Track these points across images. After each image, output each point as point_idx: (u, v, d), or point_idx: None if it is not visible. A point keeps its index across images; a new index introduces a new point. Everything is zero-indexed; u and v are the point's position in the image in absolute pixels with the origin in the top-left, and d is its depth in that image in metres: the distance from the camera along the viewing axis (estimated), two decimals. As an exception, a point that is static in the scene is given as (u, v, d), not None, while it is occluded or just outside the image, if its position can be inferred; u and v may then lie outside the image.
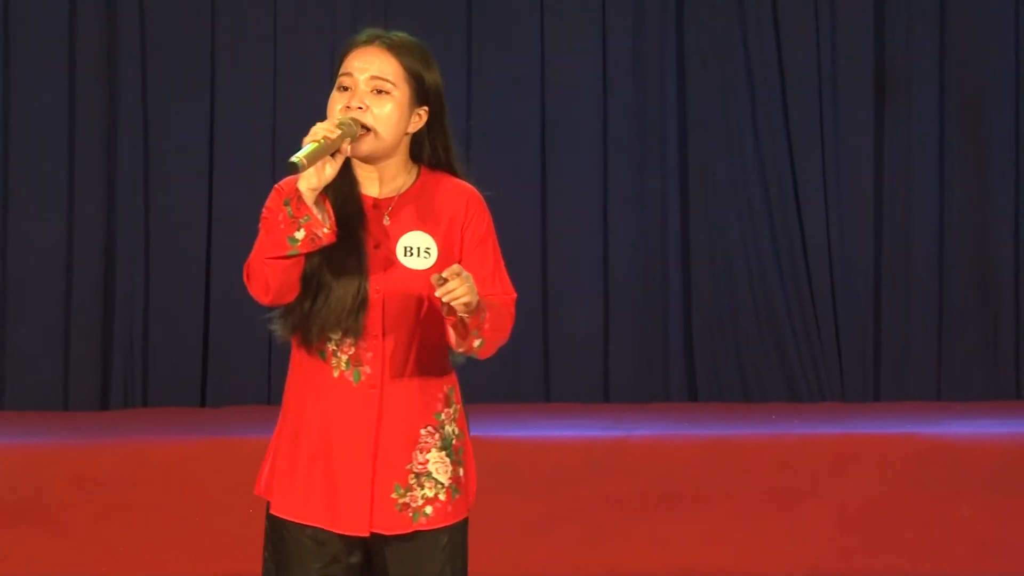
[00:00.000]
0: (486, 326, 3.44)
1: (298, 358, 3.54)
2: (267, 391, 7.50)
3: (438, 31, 7.66)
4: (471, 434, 3.64)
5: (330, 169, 3.36)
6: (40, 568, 6.13)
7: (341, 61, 3.53)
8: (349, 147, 3.41)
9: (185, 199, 7.56)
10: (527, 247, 7.64)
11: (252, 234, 8.07)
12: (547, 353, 7.64)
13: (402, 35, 3.60)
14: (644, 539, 6.24)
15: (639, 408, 7.41)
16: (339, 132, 3.38)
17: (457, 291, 3.30)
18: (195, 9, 7.58)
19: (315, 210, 3.36)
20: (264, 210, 3.47)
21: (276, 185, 3.50)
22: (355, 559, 3.53)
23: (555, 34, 7.68)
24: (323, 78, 8.08)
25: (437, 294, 3.31)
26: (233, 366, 7.53)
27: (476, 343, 3.45)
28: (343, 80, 3.50)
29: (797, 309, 7.64)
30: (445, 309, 3.37)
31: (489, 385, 7.49)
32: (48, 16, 7.51)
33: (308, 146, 3.33)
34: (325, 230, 3.36)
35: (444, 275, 3.30)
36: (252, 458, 6.19)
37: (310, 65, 7.56)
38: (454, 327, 3.41)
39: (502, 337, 3.56)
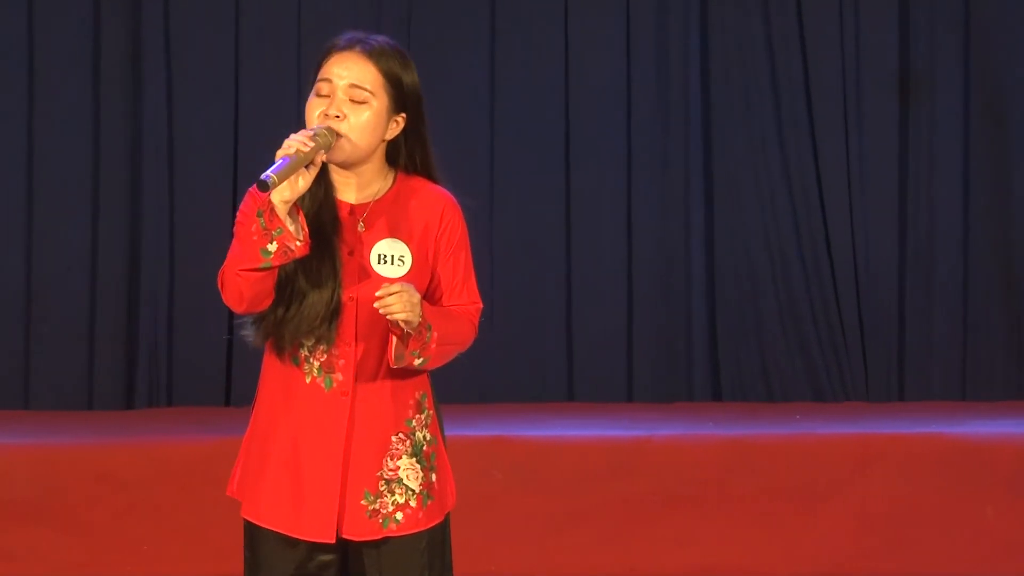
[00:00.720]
0: (432, 346, 3.43)
1: (270, 363, 3.54)
2: (290, 391, 7.51)
3: (462, 35, 7.67)
4: (447, 434, 3.65)
5: (303, 182, 3.35)
6: (63, 567, 6.15)
7: (320, 64, 3.53)
8: (323, 158, 3.40)
9: (209, 200, 7.57)
10: (551, 248, 7.64)
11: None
12: (570, 353, 7.64)
13: (382, 40, 3.57)
14: (666, 539, 6.24)
15: (662, 408, 7.41)
16: (312, 145, 3.36)
17: (393, 307, 3.32)
18: (219, 11, 7.60)
19: (288, 223, 3.34)
20: (238, 214, 3.46)
21: (251, 189, 3.47)
22: (328, 558, 3.53)
23: (579, 37, 7.68)
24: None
25: (375, 304, 3.32)
26: (257, 366, 7.49)
27: (417, 361, 3.44)
28: (321, 86, 3.50)
29: (821, 309, 7.63)
30: (391, 323, 3.38)
31: (512, 385, 7.50)
32: (72, 19, 7.54)
33: (279, 162, 3.31)
34: (298, 243, 3.35)
35: (385, 290, 3.31)
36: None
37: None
38: (397, 340, 3.40)
39: (456, 349, 3.55)
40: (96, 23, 7.55)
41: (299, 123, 8.15)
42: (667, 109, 7.68)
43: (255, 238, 3.34)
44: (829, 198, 7.65)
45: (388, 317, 3.34)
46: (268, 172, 3.28)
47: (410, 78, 3.53)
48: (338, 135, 3.44)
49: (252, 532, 3.57)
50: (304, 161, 3.34)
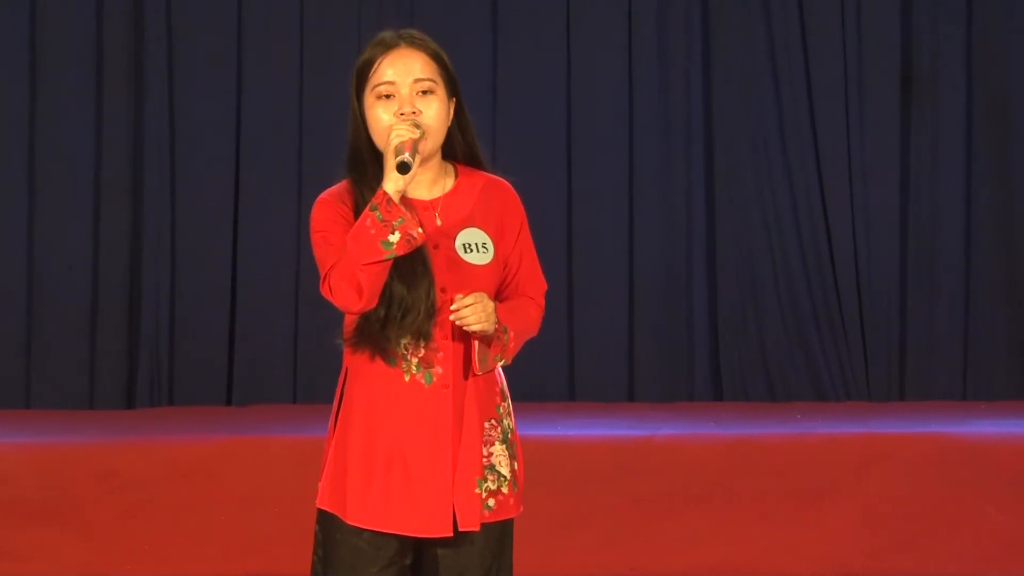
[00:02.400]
0: (510, 345, 3.52)
1: (361, 366, 3.52)
2: (292, 390, 7.52)
3: (464, 37, 7.67)
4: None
5: (414, 170, 3.39)
6: (66, 566, 6.16)
7: (366, 74, 3.51)
8: (424, 148, 3.43)
9: (211, 199, 7.58)
10: (553, 248, 7.64)
11: (279, 233, 8.06)
12: (572, 352, 7.65)
13: (414, 31, 3.61)
14: (668, 539, 6.24)
15: (664, 408, 7.41)
16: (419, 132, 3.41)
17: (469, 319, 3.39)
18: (221, 9, 7.60)
19: (407, 211, 3.38)
20: (315, 224, 3.48)
21: (319, 200, 3.51)
22: (408, 560, 3.54)
23: (581, 39, 7.68)
24: (349, 78, 8.12)
25: (451, 317, 3.38)
26: (259, 365, 7.55)
27: (499, 364, 3.55)
28: (383, 89, 3.48)
29: (823, 309, 7.63)
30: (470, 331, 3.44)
31: (514, 384, 7.46)
32: (74, 18, 7.54)
33: (405, 146, 3.35)
34: (420, 230, 3.38)
35: (459, 303, 3.37)
36: (278, 457, 6.25)
37: (337, 64, 7.56)
38: (478, 348, 3.47)
39: (528, 338, 3.62)
40: (98, 22, 7.56)
41: (300, 121, 8.17)
42: (669, 110, 7.68)
43: (373, 232, 3.36)
44: (831, 198, 7.65)
45: (465, 329, 3.40)
46: (403, 156, 3.34)
47: (449, 60, 3.58)
48: (423, 131, 3.45)
49: (333, 534, 3.53)
50: (416, 149, 3.39)
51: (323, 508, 3.55)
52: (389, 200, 3.36)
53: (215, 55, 7.60)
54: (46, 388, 7.50)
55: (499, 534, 3.57)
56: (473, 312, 3.38)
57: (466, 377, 3.51)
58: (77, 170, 7.54)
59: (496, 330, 3.45)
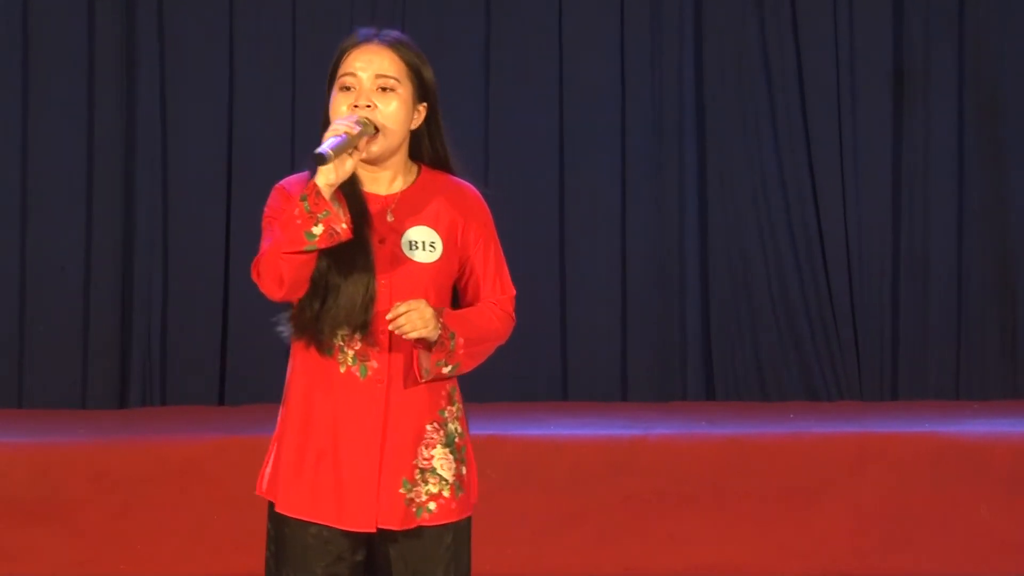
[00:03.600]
0: (459, 352, 3.48)
1: (302, 356, 3.54)
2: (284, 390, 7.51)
3: (457, 33, 7.67)
4: (471, 434, 3.65)
5: (349, 164, 3.39)
6: (58, 566, 6.15)
7: (338, 63, 3.56)
8: (366, 144, 3.43)
9: (203, 198, 7.57)
10: (545, 246, 7.64)
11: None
12: (565, 352, 7.64)
13: (396, 32, 3.61)
14: (661, 538, 6.24)
15: (657, 407, 7.41)
16: (359, 129, 3.40)
17: (404, 327, 3.37)
18: (213, 9, 7.59)
19: (334, 205, 3.37)
20: (266, 209, 3.52)
21: (277, 185, 3.55)
22: (359, 557, 3.54)
23: (574, 34, 7.68)
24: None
25: (389, 327, 3.37)
26: (251, 364, 7.54)
27: (446, 370, 3.49)
28: (345, 80, 3.53)
29: (815, 308, 7.63)
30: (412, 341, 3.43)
31: (506, 383, 7.50)
32: (66, 18, 7.53)
33: (330, 140, 3.34)
34: (343, 225, 3.37)
35: (394, 311, 3.35)
36: (270, 457, 6.23)
37: (329, 64, 7.56)
38: (422, 352, 3.45)
39: (490, 347, 3.59)
40: (90, 22, 7.55)
41: (292, 120, 8.17)
42: (661, 107, 7.68)
43: (299, 221, 3.36)
44: (823, 197, 7.66)
45: (404, 337, 3.39)
46: (324, 147, 3.32)
47: (428, 70, 3.57)
48: (376, 127, 3.46)
49: (283, 530, 3.55)
50: (351, 144, 3.38)
51: (261, 495, 3.57)
52: (318, 192, 3.36)
53: (207, 55, 7.60)
54: (38, 387, 7.49)
55: (451, 537, 3.56)
56: (408, 320, 3.37)
57: (407, 375, 3.49)
58: (69, 170, 7.53)
59: (441, 336, 3.43)
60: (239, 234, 7.54)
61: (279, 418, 3.59)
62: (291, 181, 3.56)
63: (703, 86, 7.70)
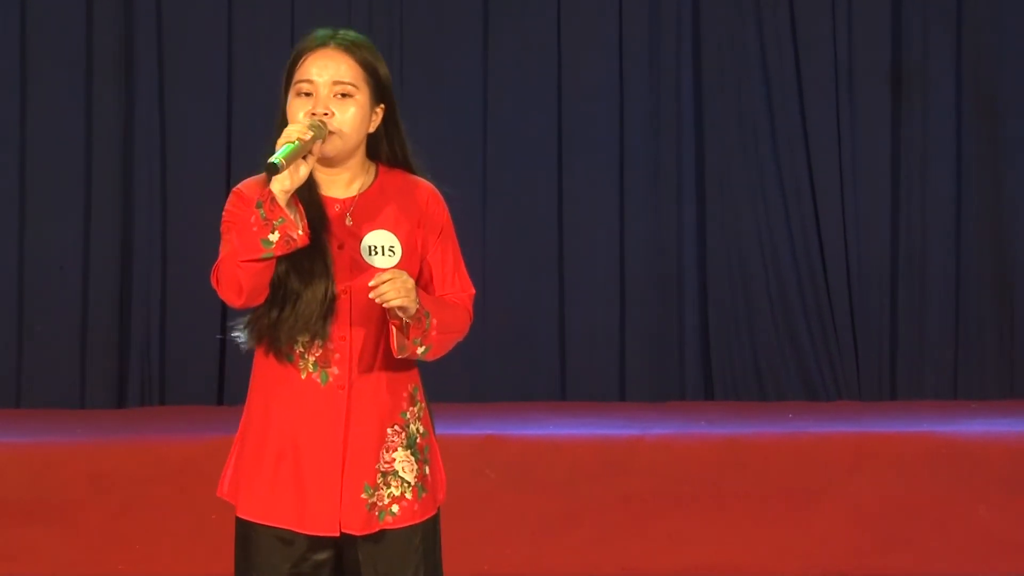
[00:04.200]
0: (432, 333, 3.46)
1: (262, 363, 3.54)
2: (283, 390, 7.50)
3: (455, 33, 7.67)
4: (437, 433, 3.65)
5: (303, 170, 3.37)
6: (56, 566, 6.15)
7: (295, 66, 3.54)
8: (319, 149, 3.41)
9: (201, 198, 7.55)
10: (544, 246, 7.64)
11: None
12: (563, 352, 7.64)
13: (352, 33, 3.60)
14: (659, 538, 6.24)
15: (655, 407, 7.41)
16: (311, 134, 3.38)
17: (387, 294, 3.33)
18: (212, 9, 7.59)
19: (289, 212, 3.35)
20: (224, 214, 3.53)
21: (235, 188, 3.54)
22: (323, 556, 3.53)
23: (572, 36, 7.68)
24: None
25: (370, 295, 3.34)
26: (250, 364, 7.52)
27: (420, 350, 3.47)
28: (302, 86, 3.51)
29: (813, 308, 7.63)
30: (389, 313, 3.40)
31: (505, 383, 7.50)
32: (64, 18, 7.53)
33: (284, 147, 3.33)
34: (299, 232, 3.36)
35: (377, 278, 3.33)
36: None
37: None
38: (397, 330, 3.42)
39: (455, 338, 3.57)
40: (88, 22, 7.55)
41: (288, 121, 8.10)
42: (659, 108, 7.68)
43: (255, 229, 3.36)
44: (821, 197, 7.66)
45: (384, 305, 3.36)
46: (276, 156, 3.31)
47: (383, 68, 3.55)
48: (330, 131, 3.45)
49: (247, 532, 3.56)
50: (304, 150, 3.36)
51: (221, 496, 3.59)
52: (273, 199, 3.35)
53: (206, 55, 7.60)
54: (36, 387, 7.49)
55: (419, 538, 3.56)
56: (392, 287, 3.33)
57: (369, 374, 3.48)
58: (68, 170, 7.53)
59: (417, 311, 3.40)
60: (238, 234, 7.53)
61: (241, 422, 3.59)
62: (249, 184, 3.55)
63: (701, 86, 7.69)
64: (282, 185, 3.35)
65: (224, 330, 7.52)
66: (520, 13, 7.69)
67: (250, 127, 7.58)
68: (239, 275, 3.38)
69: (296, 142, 3.34)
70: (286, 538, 3.51)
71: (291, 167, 3.33)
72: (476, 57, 7.69)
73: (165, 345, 7.55)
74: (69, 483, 6.20)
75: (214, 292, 8.13)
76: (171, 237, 7.56)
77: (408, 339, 3.43)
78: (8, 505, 6.18)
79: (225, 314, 7.54)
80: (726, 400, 7.59)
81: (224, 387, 7.52)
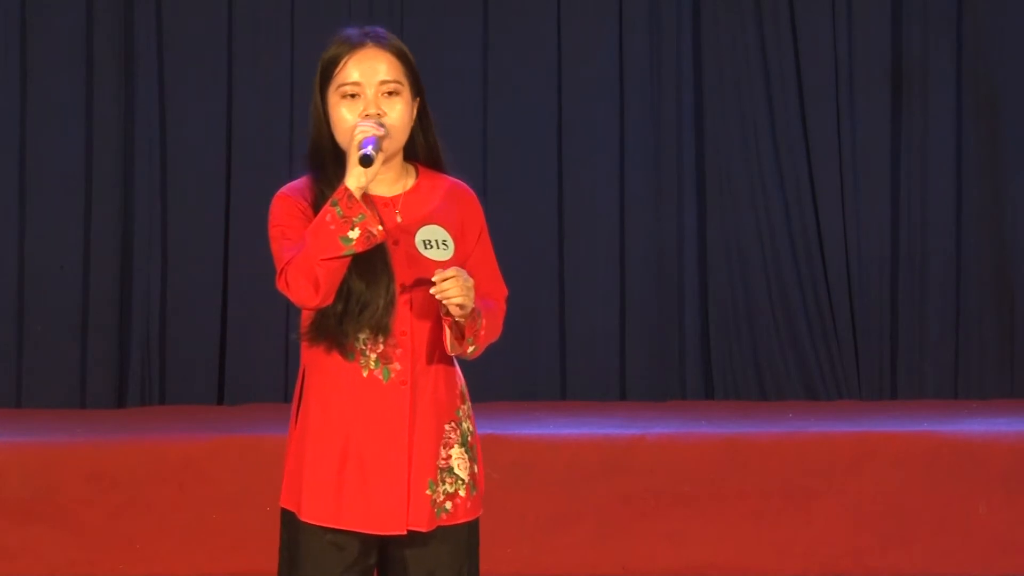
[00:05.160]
0: (481, 332, 3.47)
1: (319, 362, 3.50)
2: (284, 389, 7.51)
3: (455, 29, 7.67)
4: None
5: (378, 166, 3.38)
6: (56, 565, 6.15)
7: (331, 71, 3.54)
8: (386, 147, 3.43)
9: (202, 197, 7.57)
10: (544, 246, 7.64)
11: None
12: (563, 351, 7.64)
13: (380, 29, 3.62)
14: (659, 537, 6.24)
15: (655, 406, 7.41)
16: (383, 131, 3.40)
17: (450, 291, 3.34)
18: (212, 9, 7.59)
19: (367, 207, 3.36)
20: (273, 219, 3.50)
21: (278, 195, 3.52)
22: (372, 560, 3.53)
23: (573, 33, 7.68)
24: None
25: (431, 291, 3.34)
26: (250, 364, 7.54)
27: (470, 348, 3.48)
28: (347, 89, 3.50)
29: (814, 307, 7.63)
30: (443, 310, 3.39)
31: (505, 383, 7.49)
32: (65, 16, 7.53)
33: (368, 140, 3.35)
34: (380, 227, 3.37)
35: (440, 276, 3.33)
36: (269, 456, 6.24)
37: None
38: (451, 328, 3.43)
39: (493, 338, 3.58)
40: (89, 20, 7.54)
41: (291, 120, 8.16)
42: (660, 106, 7.68)
43: (333, 227, 3.35)
44: (822, 196, 7.66)
45: (445, 302, 3.35)
46: (367, 150, 3.33)
47: (412, 57, 3.57)
48: (386, 131, 3.46)
49: (296, 536, 3.52)
50: (379, 146, 3.38)
51: (284, 507, 3.54)
52: (350, 196, 3.35)
53: (206, 54, 7.60)
54: (37, 387, 7.49)
55: (466, 536, 3.56)
56: (455, 284, 3.33)
57: (428, 370, 3.49)
58: (68, 170, 7.53)
59: (472, 310, 3.41)
60: (238, 233, 7.54)
61: (296, 427, 3.54)
62: (293, 189, 3.54)
63: (702, 86, 7.69)
64: (358, 181, 3.36)
65: (223, 329, 7.54)
66: (520, 13, 7.68)
67: (250, 127, 7.59)
68: (317, 274, 3.37)
69: (374, 137, 3.36)
70: (339, 543, 3.49)
71: (377, 161, 3.35)
72: (476, 57, 7.69)
73: (165, 345, 7.55)
74: (69, 483, 6.20)
75: (213, 291, 8.17)
76: (171, 237, 7.56)
77: (463, 338, 3.44)
78: (8, 504, 6.18)
79: (225, 314, 7.54)
80: (726, 399, 7.59)
81: (224, 387, 7.52)
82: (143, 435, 6.59)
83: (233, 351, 7.54)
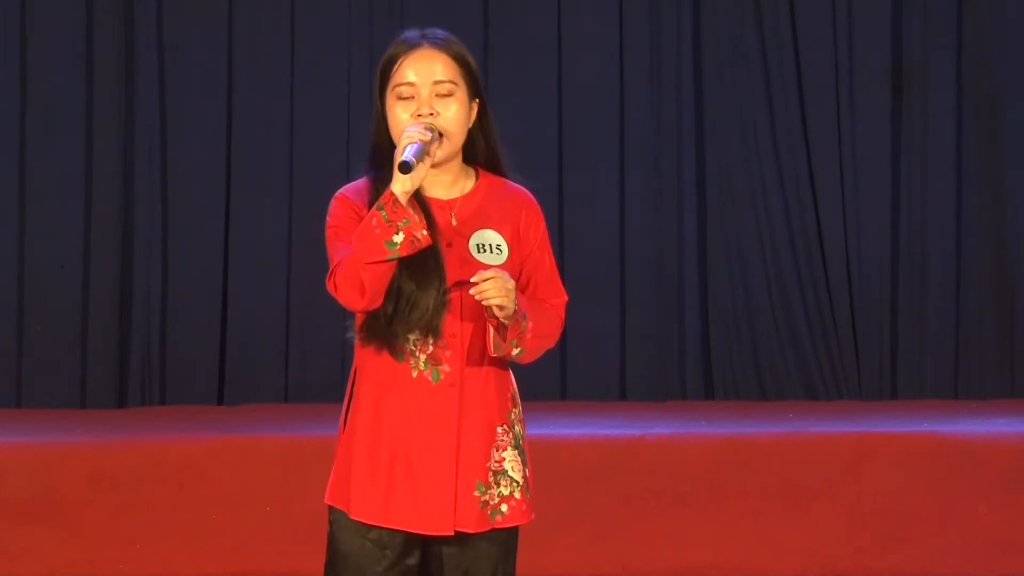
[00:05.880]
0: (528, 335, 3.48)
1: (370, 361, 3.52)
2: (284, 389, 7.52)
3: (454, 32, 7.66)
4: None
5: (424, 170, 3.39)
6: (56, 565, 6.15)
7: (388, 72, 3.54)
8: (435, 150, 3.43)
9: (203, 197, 7.57)
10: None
11: (270, 232, 8.07)
12: (564, 351, 7.64)
13: (439, 30, 3.65)
14: (659, 537, 6.24)
15: (655, 406, 7.41)
16: (430, 135, 3.41)
17: (488, 292, 3.35)
18: (212, 8, 7.59)
19: (412, 212, 3.37)
20: (330, 219, 3.50)
21: (337, 195, 3.53)
22: (413, 560, 3.55)
23: (573, 35, 7.68)
24: (340, 77, 8.09)
25: (471, 291, 3.36)
26: (250, 364, 7.54)
27: (515, 351, 3.49)
28: (402, 90, 3.51)
29: (814, 307, 7.64)
30: (487, 311, 3.41)
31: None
32: (66, 16, 7.53)
33: (410, 147, 3.35)
34: (424, 232, 3.38)
35: (480, 276, 3.35)
36: (269, 456, 6.25)
37: (327, 64, 7.58)
38: (495, 329, 3.44)
39: (548, 343, 3.59)
40: (89, 21, 7.54)
41: (291, 120, 8.16)
42: (660, 107, 7.68)
43: (378, 231, 3.36)
44: (822, 197, 7.66)
45: (484, 303, 3.37)
46: (406, 156, 3.34)
47: (474, 61, 3.60)
48: (440, 133, 3.47)
49: (341, 533, 3.53)
50: (426, 150, 3.39)
51: (330, 504, 3.56)
52: (395, 200, 3.36)
53: (206, 54, 7.59)
54: (37, 387, 7.49)
55: (506, 538, 3.57)
56: (494, 285, 3.35)
57: (479, 373, 3.50)
58: (68, 170, 7.53)
59: (515, 313, 3.42)
60: (238, 233, 7.54)
61: (346, 425, 3.56)
62: (351, 189, 3.55)
63: (702, 86, 7.69)
64: (404, 186, 3.37)
65: (224, 329, 7.54)
66: (520, 13, 7.69)
67: (251, 127, 7.59)
68: (363, 277, 3.38)
69: (419, 143, 3.36)
70: (382, 542, 3.51)
71: (417, 167, 3.36)
72: (476, 57, 7.67)
73: (165, 345, 7.55)
74: (69, 483, 6.20)
75: (214, 292, 8.17)
76: (172, 237, 7.56)
77: (505, 340, 3.45)
78: (9, 504, 6.18)
79: (225, 315, 7.54)
80: (726, 400, 7.59)
81: (224, 387, 7.53)
82: (143, 435, 6.59)
83: (233, 351, 7.54)
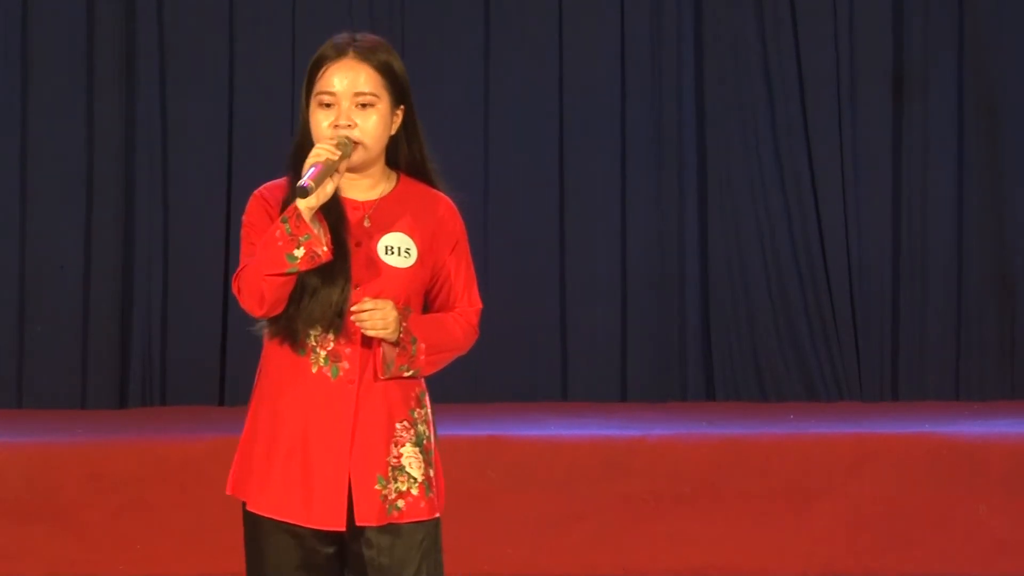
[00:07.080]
0: (420, 357, 3.53)
1: (274, 354, 3.59)
2: (284, 390, 7.50)
3: (456, 32, 7.67)
4: (439, 434, 3.68)
5: (331, 187, 3.44)
6: (56, 566, 6.15)
7: (314, 76, 3.59)
8: (346, 166, 3.47)
9: (203, 199, 7.57)
10: (545, 246, 7.64)
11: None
12: (564, 352, 7.64)
13: (369, 37, 3.64)
14: (660, 538, 6.24)
15: (656, 407, 7.41)
16: (339, 153, 3.44)
17: (366, 324, 3.43)
18: (213, 11, 7.59)
19: (314, 228, 3.41)
20: (245, 217, 3.58)
21: (256, 193, 3.61)
22: (331, 550, 3.57)
23: (574, 34, 7.68)
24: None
25: (352, 318, 3.43)
26: (251, 365, 7.49)
27: (407, 374, 3.54)
28: (324, 98, 3.56)
29: (815, 308, 7.63)
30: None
31: (506, 384, 7.49)
32: (66, 19, 7.53)
33: (311, 170, 3.40)
34: (324, 248, 3.42)
35: (358, 307, 3.41)
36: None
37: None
38: (385, 352, 3.50)
39: (451, 356, 3.63)
40: (90, 21, 7.54)
41: (292, 121, 8.14)
42: (661, 107, 7.67)
43: (280, 244, 3.42)
44: (823, 197, 7.65)
45: (363, 331, 3.45)
46: (305, 179, 3.38)
47: (400, 67, 3.61)
48: (355, 143, 3.51)
49: (256, 527, 3.59)
50: (332, 169, 3.43)
51: (231, 494, 3.60)
52: (299, 215, 3.41)
53: (207, 55, 7.59)
54: (38, 388, 7.49)
55: (423, 535, 3.58)
56: (371, 317, 3.43)
57: (376, 377, 3.53)
58: (69, 170, 7.53)
59: (402, 340, 3.48)
60: (239, 234, 7.52)
61: (248, 418, 3.62)
62: (270, 187, 3.61)
63: (703, 86, 7.69)
64: (308, 203, 3.41)
65: (224, 329, 7.54)
66: (520, 13, 7.68)
67: (251, 128, 7.59)
68: (263, 288, 3.45)
69: (323, 164, 3.40)
70: (295, 532, 3.54)
71: (319, 188, 3.40)
72: (476, 57, 7.69)
73: (166, 345, 7.55)
74: (70, 483, 6.21)
75: (214, 292, 8.18)
76: (172, 237, 7.56)
77: (395, 365, 3.50)
78: (9, 504, 6.18)
79: (226, 315, 7.54)
80: (727, 400, 7.59)
81: (225, 387, 7.52)
82: (144, 436, 6.60)
83: (234, 352, 7.53)
